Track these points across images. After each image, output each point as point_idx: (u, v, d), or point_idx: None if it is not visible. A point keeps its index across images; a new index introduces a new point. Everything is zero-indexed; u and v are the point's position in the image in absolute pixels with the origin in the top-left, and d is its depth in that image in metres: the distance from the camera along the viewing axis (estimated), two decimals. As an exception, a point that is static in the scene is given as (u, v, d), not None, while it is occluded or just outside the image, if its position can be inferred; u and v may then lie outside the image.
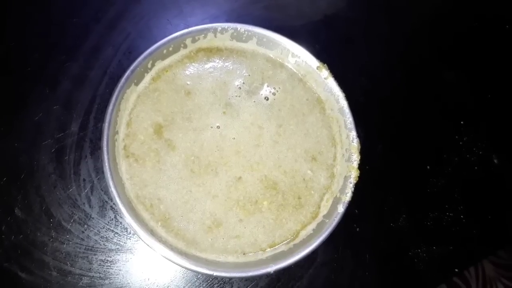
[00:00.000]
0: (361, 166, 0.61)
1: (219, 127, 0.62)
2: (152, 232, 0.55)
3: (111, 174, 0.55)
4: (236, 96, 0.65)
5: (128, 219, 0.54)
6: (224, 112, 0.63)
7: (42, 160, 0.64)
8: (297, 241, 0.59)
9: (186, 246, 0.57)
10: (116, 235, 0.63)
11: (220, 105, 0.64)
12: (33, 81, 0.68)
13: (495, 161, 0.77)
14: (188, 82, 0.64)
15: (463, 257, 0.71)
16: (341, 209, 0.59)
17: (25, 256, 0.60)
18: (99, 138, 0.57)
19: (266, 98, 0.65)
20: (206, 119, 0.63)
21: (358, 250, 0.68)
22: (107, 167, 0.55)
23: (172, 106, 0.62)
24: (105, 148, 0.56)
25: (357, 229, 0.68)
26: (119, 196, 0.55)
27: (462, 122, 0.78)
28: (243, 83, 0.65)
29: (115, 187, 0.55)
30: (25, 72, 0.69)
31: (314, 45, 0.75)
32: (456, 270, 0.70)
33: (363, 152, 0.62)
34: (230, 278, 0.64)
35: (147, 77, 0.63)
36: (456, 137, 0.77)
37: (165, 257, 0.54)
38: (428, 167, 0.74)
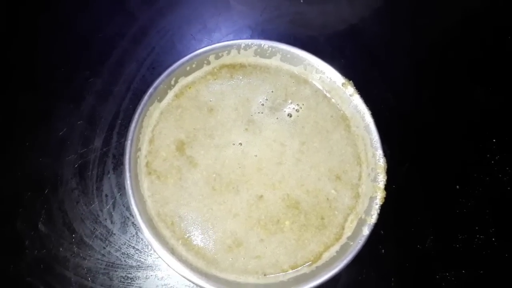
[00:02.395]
0: (387, 186, 0.59)
1: (241, 144, 0.62)
2: (172, 251, 0.55)
3: (133, 192, 0.55)
4: (259, 112, 0.64)
5: (149, 237, 0.54)
6: (246, 129, 0.62)
7: (66, 175, 0.64)
8: (319, 263, 0.58)
9: (206, 266, 0.56)
10: (137, 251, 0.62)
11: (242, 122, 0.63)
12: (58, 97, 0.69)
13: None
14: (211, 99, 0.63)
15: (493, 282, 0.68)
16: (366, 231, 0.57)
17: (47, 271, 0.60)
18: (122, 153, 0.57)
19: (290, 115, 0.64)
20: (228, 136, 0.62)
21: (383, 273, 0.66)
22: (129, 185, 0.55)
23: (194, 123, 0.62)
24: (127, 166, 0.56)
25: (382, 250, 0.66)
26: (140, 214, 0.55)
27: (494, 140, 0.75)
28: (266, 99, 0.65)
29: (137, 205, 0.55)
30: (50, 87, 0.70)
31: (340, 60, 0.74)
32: (486, 295, 0.67)
33: (389, 171, 0.60)
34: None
35: (170, 94, 0.63)
36: (488, 155, 0.74)
37: (185, 277, 0.53)
38: (457, 186, 0.71)
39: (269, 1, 0.81)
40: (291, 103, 0.65)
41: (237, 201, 0.59)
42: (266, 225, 0.58)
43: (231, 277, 0.56)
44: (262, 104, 0.64)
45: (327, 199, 0.61)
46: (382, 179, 0.60)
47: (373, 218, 0.57)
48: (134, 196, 0.55)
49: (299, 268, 0.58)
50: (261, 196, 0.60)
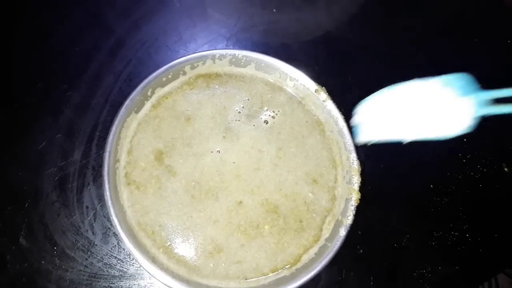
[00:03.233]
0: (362, 188, 0.61)
1: (219, 152, 0.63)
2: (153, 260, 0.56)
3: (112, 203, 0.56)
4: (236, 120, 0.65)
5: (130, 247, 0.55)
6: (224, 137, 0.64)
7: (46, 189, 0.64)
8: (299, 265, 0.59)
9: (188, 273, 0.57)
10: (119, 261, 0.63)
11: (220, 130, 0.64)
12: (36, 111, 0.69)
13: (505, 169, 0.76)
14: (188, 108, 0.65)
15: (469, 277, 0.70)
16: (343, 232, 0.58)
17: (30, 284, 0.60)
18: (101, 165, 0.58)
19: (266, 122, 0.66)
20: (206, 144, 0.63)
21: (362, 272, 0.67)
22: (108, 196, 0.56)
23: (172, 133, 0.63)
24: (106, 178, 0.56)
25: (361, 250, 0.67)
26: (120, 224, 0.55)
27: (465, 140, 0.77)
28: (243, 107, 0.66)
29: (117, 215, 0.56)
30: (29, 101, 0.70)
31: (314, 67, 0.76)
32: (463, 290, 0.69)
33: (364, 172, 0.62)
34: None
35: (148, 105, 0.64)
36: (459, 154, 0.76)
37: (167, 285, 0.54)
38: (431, 185, 0.73)
39: (244, 11, 0.82)
40: (267, 110, 0.66)
41: (217, 208, 0.60)
42: (246, 230, 0.60)
43: (213, 283, 0.57)
44: (239, 112, 0.66)
45: (305, 202, 0.62)
46: (356, 181, 0.62)
47: (349, 219, 0.59)
48: (113, 207, 0.56)
49: (279, 271, 0.59)
50: (241, 202, 0.61)
